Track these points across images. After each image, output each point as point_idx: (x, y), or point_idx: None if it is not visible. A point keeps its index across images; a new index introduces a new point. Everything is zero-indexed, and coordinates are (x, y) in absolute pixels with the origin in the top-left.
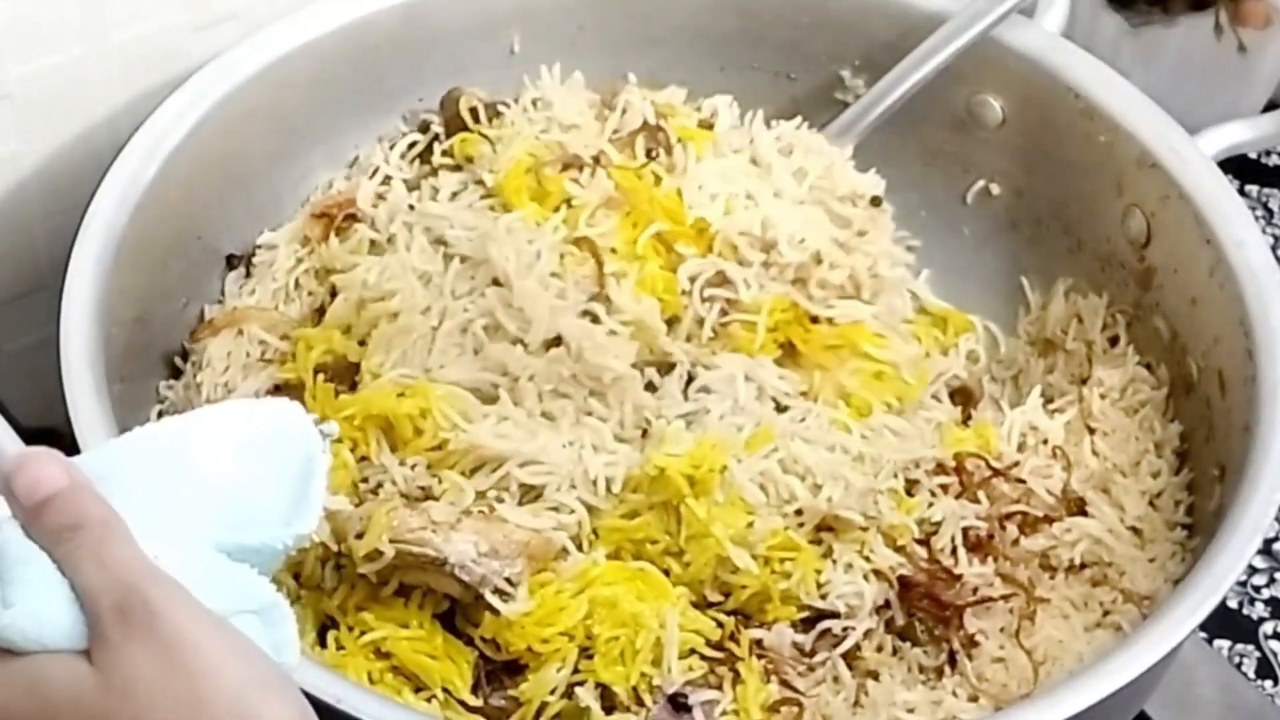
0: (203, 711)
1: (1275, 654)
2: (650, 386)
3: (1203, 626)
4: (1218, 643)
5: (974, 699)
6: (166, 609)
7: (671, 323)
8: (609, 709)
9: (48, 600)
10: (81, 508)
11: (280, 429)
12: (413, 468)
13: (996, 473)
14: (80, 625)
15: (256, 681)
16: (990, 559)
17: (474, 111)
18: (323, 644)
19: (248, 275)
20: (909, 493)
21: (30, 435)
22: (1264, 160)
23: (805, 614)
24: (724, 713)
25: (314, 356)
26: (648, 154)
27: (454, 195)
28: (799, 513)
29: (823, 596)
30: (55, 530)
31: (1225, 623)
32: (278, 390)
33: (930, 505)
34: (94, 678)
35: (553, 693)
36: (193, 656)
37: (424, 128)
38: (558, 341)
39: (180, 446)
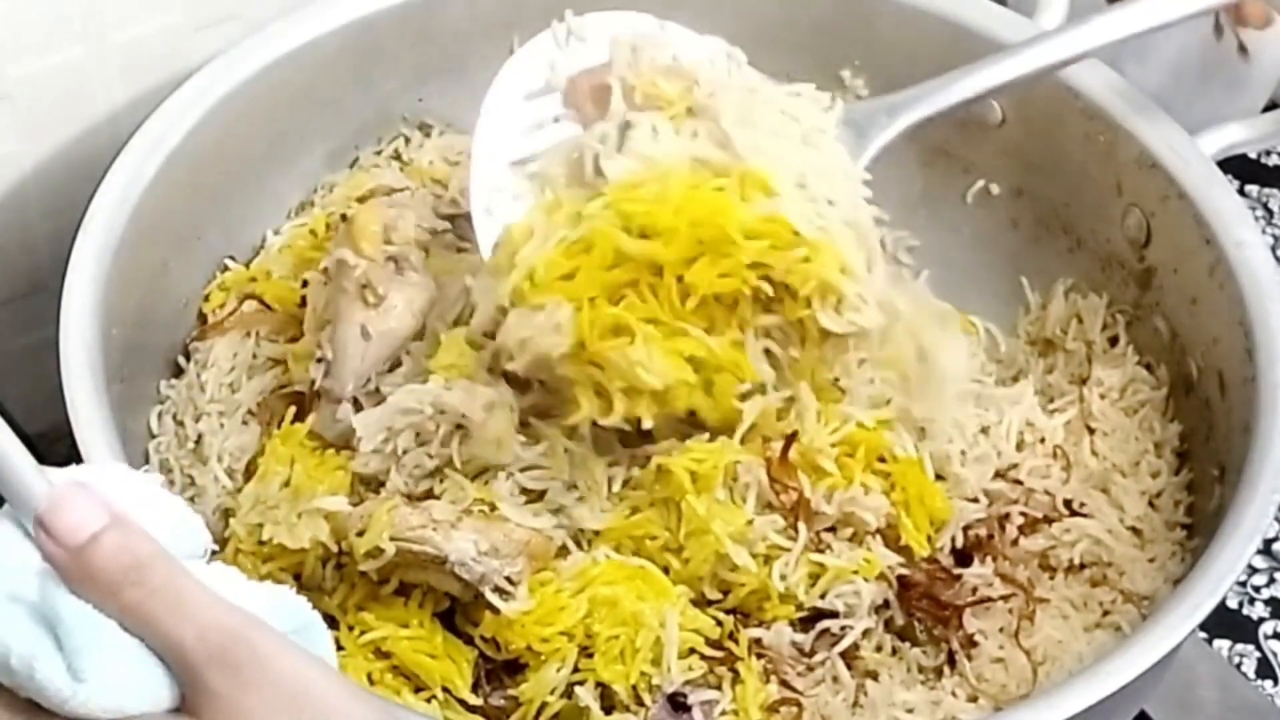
0: None
1: (1275, 654)
2: None
3: (1203, 626)
4: (1218, 643)
5: (973, 699)
6: (274, 653)
7: None
8: (608, 708)
9: (124, 665)
10: (132, 546)
11: (125, 478)
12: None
13: (995, 473)
14: (166, 685)
15: (377, 714)
16: (990, 559)
17: None
18: None
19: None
20: None
21: (32, 437)
22: (1264, 160)
23: (804, 613)
24: (723, 713)
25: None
26: None
27: None
28: None
29: (821, 596)
30: (112, 577)
31: (1225, 623)
32: (280, 390)
33: None
34: None
35: (552, 692)
36: (315, 698)
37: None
38: None
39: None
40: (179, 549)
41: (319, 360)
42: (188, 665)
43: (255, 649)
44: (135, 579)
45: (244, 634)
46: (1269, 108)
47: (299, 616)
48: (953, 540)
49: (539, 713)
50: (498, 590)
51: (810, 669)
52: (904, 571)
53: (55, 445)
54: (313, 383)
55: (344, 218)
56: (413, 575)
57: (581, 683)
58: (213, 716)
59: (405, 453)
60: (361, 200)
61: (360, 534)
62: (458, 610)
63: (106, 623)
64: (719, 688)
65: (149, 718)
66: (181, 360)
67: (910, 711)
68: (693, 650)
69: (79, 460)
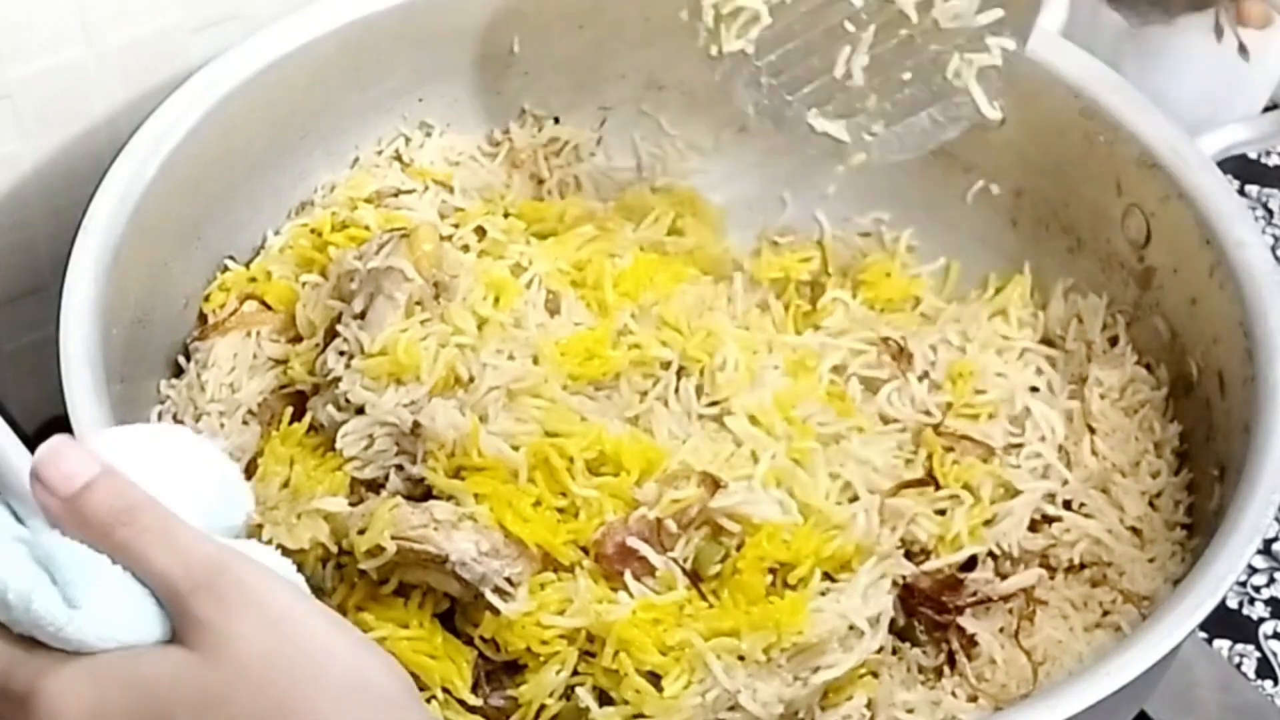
0: (322, 677)
1: (1275, 654)
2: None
3: (1203, 626)
4: (1218, 643)
5: (973, 699)
6: (259, 583)
7: None
8: None
9: (117, 595)
10: (123, 492)
11: (181, 442)
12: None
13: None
14: (157, 617)
15: (359, 645)
16: (990, 559)
17: None
18: None
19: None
20: None
21: (32, 437)
22: (1264, 160)
23: None
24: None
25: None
26: None
27: None
28: None
29: None
30: (105, 519)
31: (1225, 623)
32: (280, 390)
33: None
34: (196, 660)
35: (551, 694)
36: (298, 626)
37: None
38: None
39: (131, 449)
40: (213, 512)
41: (341, 353)
42: (176, 595)
43: (241, 578)
44: (126, 519)
45: (230, 565)
46: (1269, 108)
47: (283, 572)
48: None
49: (538, 714)
50: (498, 591)
51: None
52: (910, 580)
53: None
54: (327, 372)
55: (401, 231)
56: (413, 575)
57: (581, 684)
58: (201, 644)
59: (383, 452)
60: (368, 201)
61: (361, 532)
62: (457, 611)
63: (100, 558)
64: None
65: (142, 648)
66: (182, 360)
67: (910, 711)
68: None
69: None
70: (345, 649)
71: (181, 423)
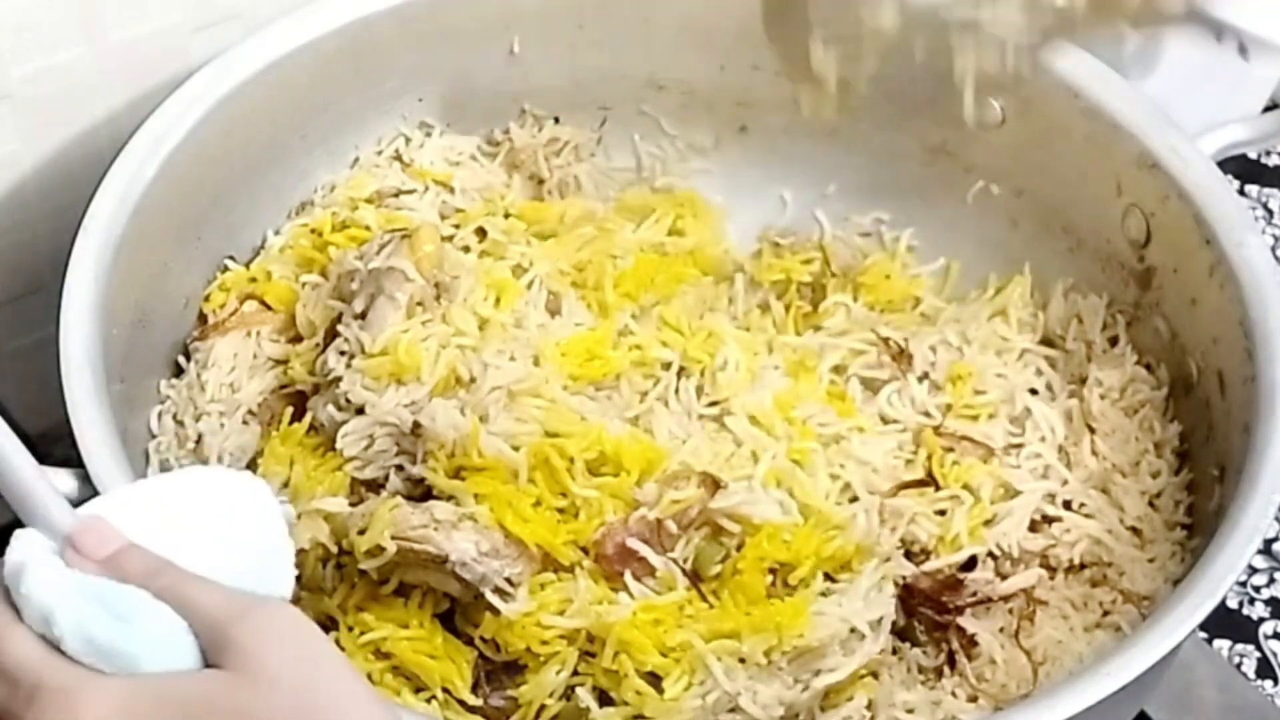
0: (349, 709)
1: (1275, 654)
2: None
3: (1203, 626)
4: (1218, 643)
5: (973, 699)
6: (292, 619)
7: None
8: None
9: (162, 617)
10: (153, 554)
11: (248, 501)
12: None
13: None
14: (195, 648)
15: (375, 694)
16: (990, 559)
17: None
18: None
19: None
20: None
21: (32, 437)
22: (1264, 160)
23: None
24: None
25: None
26: None
27: None
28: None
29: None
30: (142, 571)
31: (1225, 623)
32: (280, 390)
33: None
34: (234, 680)
35: (551, 694)
36: (327, 661)
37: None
38: None
39: (167, 509)
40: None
41: (342, 353)
42: (215, 623)
43: (273, 611)
44: (162, 571)
45: (262, 602)
46: (1269, 108)
47: None
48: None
49: (538, 714)
50: (498, 591)
51: None
52: (910, 580)
53: (55, 445)
54: (328, 372)
55: (403, 232)
56: (413, 575)
57: (581, 684)
58: (237, 666)
59: (383, 452)
60: (369, 201)
61: (362, 532)
62: (458, 611)
63: (141, 590)
64: None
65: (180, 671)
66: (182, 360)
67: (910, 712)
68: None
69: (79, 460)
70: (365, 691)
71: (181, 424)
